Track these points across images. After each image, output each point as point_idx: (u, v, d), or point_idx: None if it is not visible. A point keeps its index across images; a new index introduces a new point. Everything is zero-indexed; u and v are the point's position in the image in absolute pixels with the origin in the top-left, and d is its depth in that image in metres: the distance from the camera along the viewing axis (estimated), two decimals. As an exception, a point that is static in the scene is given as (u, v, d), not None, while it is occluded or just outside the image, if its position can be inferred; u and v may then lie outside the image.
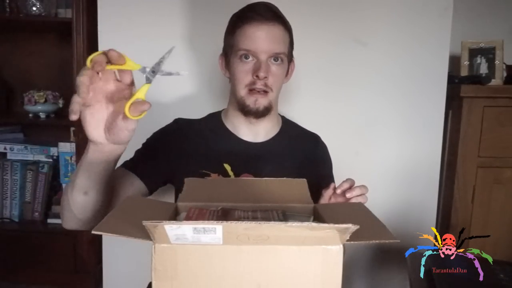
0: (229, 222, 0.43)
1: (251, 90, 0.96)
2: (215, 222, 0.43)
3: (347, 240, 0.49)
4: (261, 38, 0.93)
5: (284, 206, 0.68)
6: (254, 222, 0.44)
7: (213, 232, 0.44)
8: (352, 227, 0.45)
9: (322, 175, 1.06)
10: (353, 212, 0.67)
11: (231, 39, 0.99)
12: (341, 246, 0.49)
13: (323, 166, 1.11)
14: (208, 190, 0.72)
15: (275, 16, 0.95)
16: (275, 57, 0.95)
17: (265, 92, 0.96)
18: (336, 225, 0.45)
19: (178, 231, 0.44)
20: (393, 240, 0.52)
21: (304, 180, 0.75)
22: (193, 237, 0.45)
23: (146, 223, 0.42)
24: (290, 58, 1.03)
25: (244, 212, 0.63)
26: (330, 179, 1.11)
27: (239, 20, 0.96)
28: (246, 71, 0.95)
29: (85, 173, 0.70)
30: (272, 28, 0.94)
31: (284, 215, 0.64)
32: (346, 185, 0.81)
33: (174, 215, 0.65)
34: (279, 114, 1.14)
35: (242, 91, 0.97)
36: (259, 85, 0.94)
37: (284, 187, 0.73)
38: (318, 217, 0.65)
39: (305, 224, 0.44)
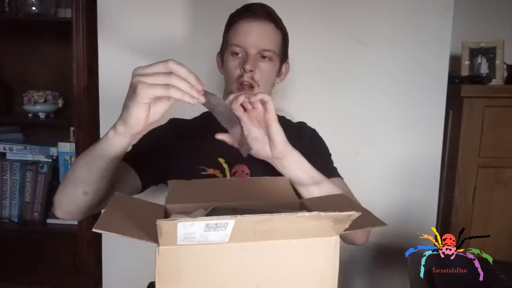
0: (242, 216, 0.43)
1: (241, 85, 0.97)
2: (229, 216, 0.43)
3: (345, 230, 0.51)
4: (251, 34, 0.97)
5: (272, 203, 0.69)
6: (266, 214, 0.44)
7: (224, 228, 0.44)
8: (354, 214, 0.47)
9: (315, 155, 1.01)
10: (340, 203, 0.69)
11: (226, 35, 1.03)
12: (338, 236, 0.52)
13: (313, 148, 1.08)
14: (194, 191, 0.72)
15: (267, 15, 0.99)
16: (264, 53, 0.98)
17: (251, 86, 0.97)
18: (342, 213, 0.46)
19: (189, 229, 0.44)
20: (383, 225, 0.57)
21: (286, 178, 0.78)
22: (201, 235, 0.45)
23: (160, 221, 0.42)
24: (283, 58, 1.06)
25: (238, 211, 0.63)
26: (324, 157, 1.09)
27: (235, 17, 1.01)
28: (236, 66, 0.98)
29: (87, 167, 0.73)
30: (262, 25, 0.98)
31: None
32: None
33: (166, 217, 0.65)
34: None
35: (233, 86, 0.99)
36: (245, 78, 0.96)
37: (268, 184, 0.75)
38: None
39: (314, 213, 0.45)
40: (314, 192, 0.79)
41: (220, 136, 0.79)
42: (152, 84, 0.62)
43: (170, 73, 0.62)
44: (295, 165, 0.81)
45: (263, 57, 0.98)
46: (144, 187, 0.97)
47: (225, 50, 1.02)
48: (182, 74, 0.63)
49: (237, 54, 0.98)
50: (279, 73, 1.07)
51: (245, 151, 0.78)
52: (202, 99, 0.65)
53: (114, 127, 0.69)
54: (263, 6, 1.00)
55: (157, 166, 0.98)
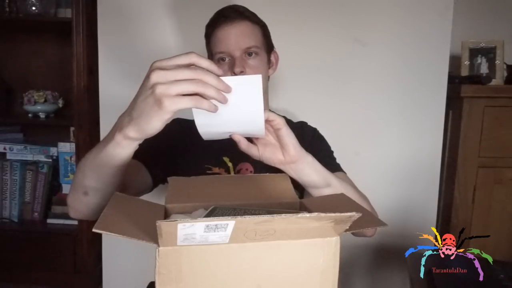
0: (242, 216, 0.43)
1: None
2: (229, 217, 0.43)
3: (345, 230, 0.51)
4: (230, 38, 0.98)
5: (273, 202, 0.68)
6: (266, 215, 0.44)
7: (224, 228, 0.44)
8: (355, 215, 0.46)
9: (318, 153, 1.04)
10: (340, 203, 0.68)
11: (208, 46, 1.06)
12: (338, 237, 0.51)
13: (316, 145, 1.09)
14: (194, 189, 0.72)
15: (239, 15, 1.00)
16: (248, 51, 0.99)
17: None
18: (342, 214, 0.46)
19: (189, 230, 0.43)
20: (383, 226, 0.56)
21: (286, 175, 0.77)
22: (201, 236, 0.45)
23: (160, 222, 0.41)
24: (268, 49, 1.07)
25: (238, 211, 0.63)
26: (328, 153, 1.10)
27: (210, 27, 1.03)
28: (226, 70, 0.99)
29: (95, 175, 0.71)
30: (238, 26, 0.99)
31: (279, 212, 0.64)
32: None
33: (166, 217, 0.65)
34: (270, 110, 1.15)
35: None
36: None
37: (269, 182, 0.74)
38: (306, 212, 0.65)
39: (315, 214, 0.45)
40: (326, 193, 0.78)
41: (236, 137, 0.74)
42: (178, 96, 0.57)
43: (195, 78, 0.58)
44: (308, 169, 0.78)
45: (249, 54, 1.00)
46: (154, 185, 0.98)
47: (212, 60, 1.03)
48: (211, 81, 0.59)
49: (224, 60, 1.00)
50: (269, 64, 1.08)
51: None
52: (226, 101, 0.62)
53: (122, 131, 0.63)
54: (232, 8, 1.02)
55: (166, 165, 0.99)
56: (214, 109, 0.60)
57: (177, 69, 0.57)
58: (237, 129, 0.72)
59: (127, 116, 0.62)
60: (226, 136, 0.75)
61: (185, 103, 0.57)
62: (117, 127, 0.64)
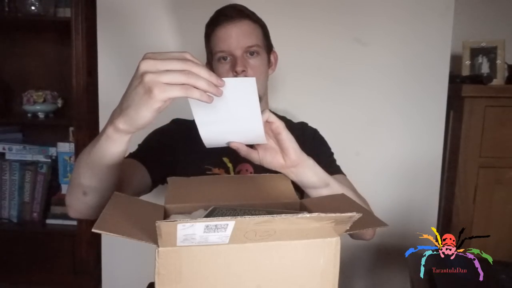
0: (242, 217, 0.43)
1: None
2: (229, 218, 0.43)
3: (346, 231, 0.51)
4: (231, 37, 0.98)
5: (273, 203, 0.68)
6: (266, 216, 0.44)
7: (224, 229, 0.44)
8: (356, 215, 0.46)
9: (319, 154, 1.03)
10: (340, 204, 0.68)
11: (208, 45, 1.05)
12: (339, 237, 0.51)
13: (317, 147, 1.10)
14: (194, 189, 0.72)
15: (240, 14, 1.00)
16: (250, 50, 0.99)
17: None
18: (343, 214, 0.46)
19: (189, 231, 0.43)
20: (384, 226, 0.56)
21: (287, 176, 0.77)
22: (201, 236, 0.45)
23: (159, 222, 0.41)
24: (268, 48, 1.07)
25: (238, 211, 0.63)
26: (328, 155, 1.10)
27: (211, 26, 1.02)
28: (227, 70, 0.99)
29: (90, 172, 0.70)
30: (239, 25, 0.98)
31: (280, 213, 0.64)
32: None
33: (165, 217, 0.65)
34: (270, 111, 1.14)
35: None
36: None
37: (269, 182, 0.74)
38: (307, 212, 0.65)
39: (315, 215, 0.45)
40: (323, 193, 0.78)
41: (235, 145, 0.74)
42: (168, 85, 0.56)
43: (186, 69, 0.57)
44: (309, 172, 0.77)
45: (250, 53, 0.99)
46: (153, 185, 0.98)
47: (211, 59, 1.04)
48: (202, 74, 0.58)
49: (224, 59, 0.99)
50: (269, 64, 1.08)
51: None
52: (221, 93, 0.61)
53: (113, 124, 0.62)
54: (233, 7, 1.02)
55: (165, 165, 0.98)
56: (207, 99, 0.59)
57: (167, 60, 0.57)
58: (238, 139, 0.73)
59: (118, 108, 0.62)
60: (227, 145, 0.75)
61: (176, 91, 0.56)
62: (109, 121, 0.64)
